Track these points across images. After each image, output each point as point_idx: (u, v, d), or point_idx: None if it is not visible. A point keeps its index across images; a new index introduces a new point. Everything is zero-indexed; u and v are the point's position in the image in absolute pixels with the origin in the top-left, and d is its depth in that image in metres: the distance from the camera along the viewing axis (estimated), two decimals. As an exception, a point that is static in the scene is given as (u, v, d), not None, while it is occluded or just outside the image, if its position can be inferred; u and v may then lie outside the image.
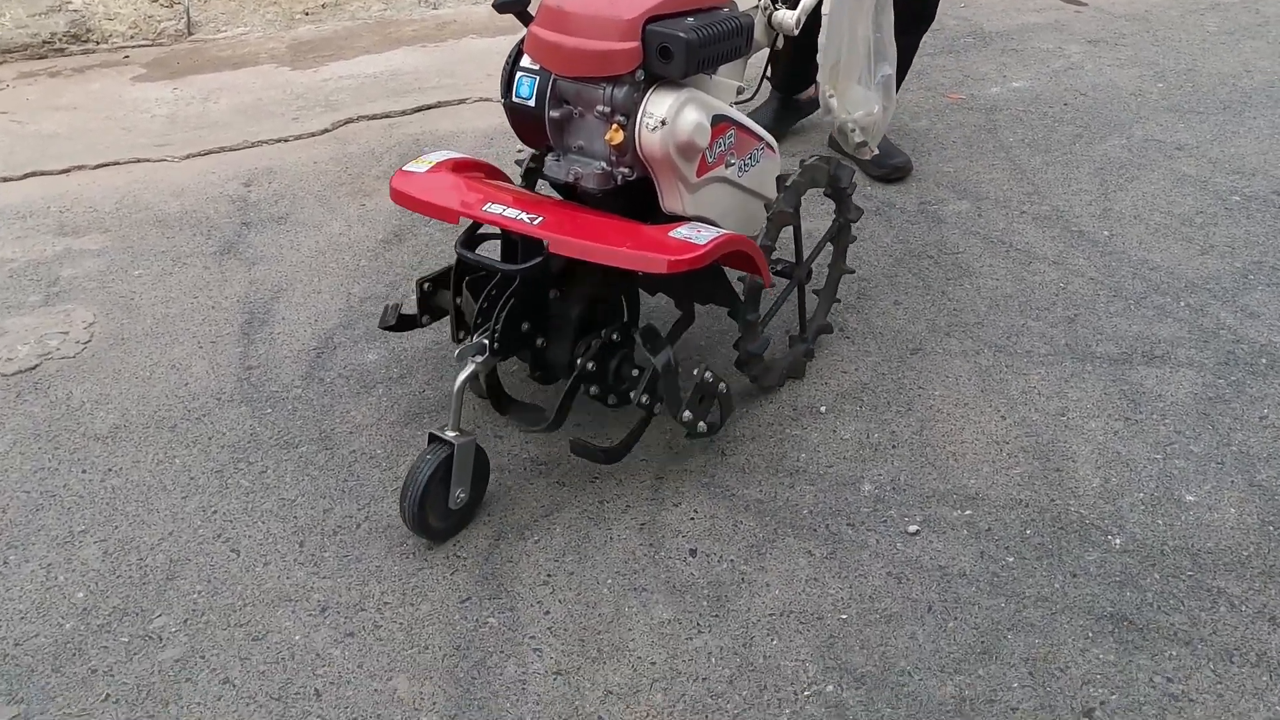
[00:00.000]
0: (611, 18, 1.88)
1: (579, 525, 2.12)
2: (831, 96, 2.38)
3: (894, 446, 2.33)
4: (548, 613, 1.94)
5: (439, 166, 2.15)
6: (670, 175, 2.00)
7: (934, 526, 2.13)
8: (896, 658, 1.85)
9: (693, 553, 2.07)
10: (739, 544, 2.09)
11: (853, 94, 2.42)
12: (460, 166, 2.19)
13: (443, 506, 2.01)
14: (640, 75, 1.94)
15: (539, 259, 1.90)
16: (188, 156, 3.58)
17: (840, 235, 2.56)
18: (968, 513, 2.16)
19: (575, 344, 2.08)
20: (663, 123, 1.92)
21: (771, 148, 2.25)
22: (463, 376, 1.97)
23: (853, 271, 2.70)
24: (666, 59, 1.89)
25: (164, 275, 2.98)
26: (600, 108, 1.99)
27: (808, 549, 2.08)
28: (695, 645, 1.88)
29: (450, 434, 1.97)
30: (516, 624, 1.91)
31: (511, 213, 1.95)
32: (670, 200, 2.05)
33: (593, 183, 2.05)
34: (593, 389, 2.09)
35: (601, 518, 2.14)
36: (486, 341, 1.97)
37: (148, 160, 3.56)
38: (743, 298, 2.19)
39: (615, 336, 2.07)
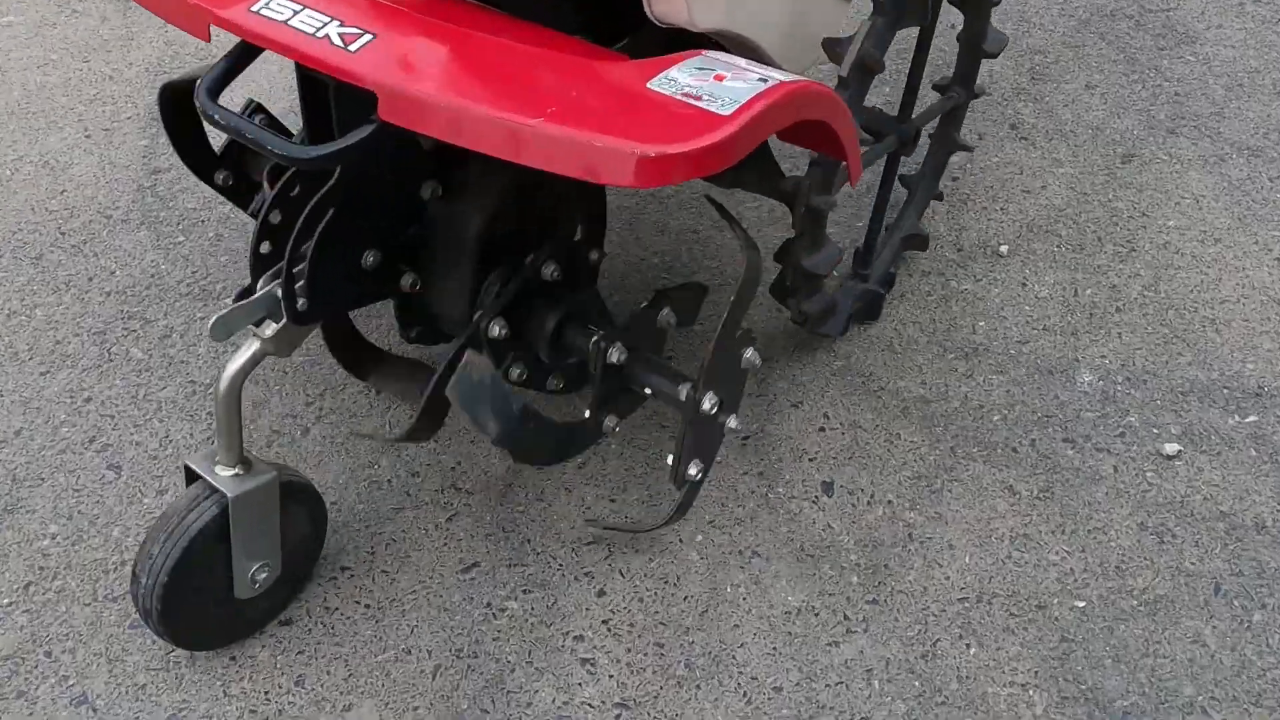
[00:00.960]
0: None
1: (644, 439, 1.36)
2: None
3: (1118, 309, 1.54)
4: (601, 593, 1.21)
5: None
6: None
7: (1201, 443, 1.36)
8: (1175, 679, 1.14)
9: (827, 488, 1.32)
10: (898, 472, 1.33)
11: None
12: None
13: (223, 593, 1.10)
14: None
15: (361, 133, 0.97)
16: None
17: (965, 70, 1.53)
18: (1250, 419, 1.39)
19: (475, 283, 1.16)
20: None
21: None
22: (234, 368, 1.06)
23: (970, 149, 1.73)
24: None
25: (43, 27, 2.10)
26: None
27: (1007, 482, 1.32)
28: (844, 657, 1.16)
29: (225, 471, 1.06)
30: (553, 612, 1.19)
31: (307, 21, 1.01)
32: (694, 9, 1.08)
33: None
34: (514, 369, 1.18)
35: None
36: (280, 294, 1.06)
37: None
38: (805, 181, 1.24)
39: (552, 270, 1.17)
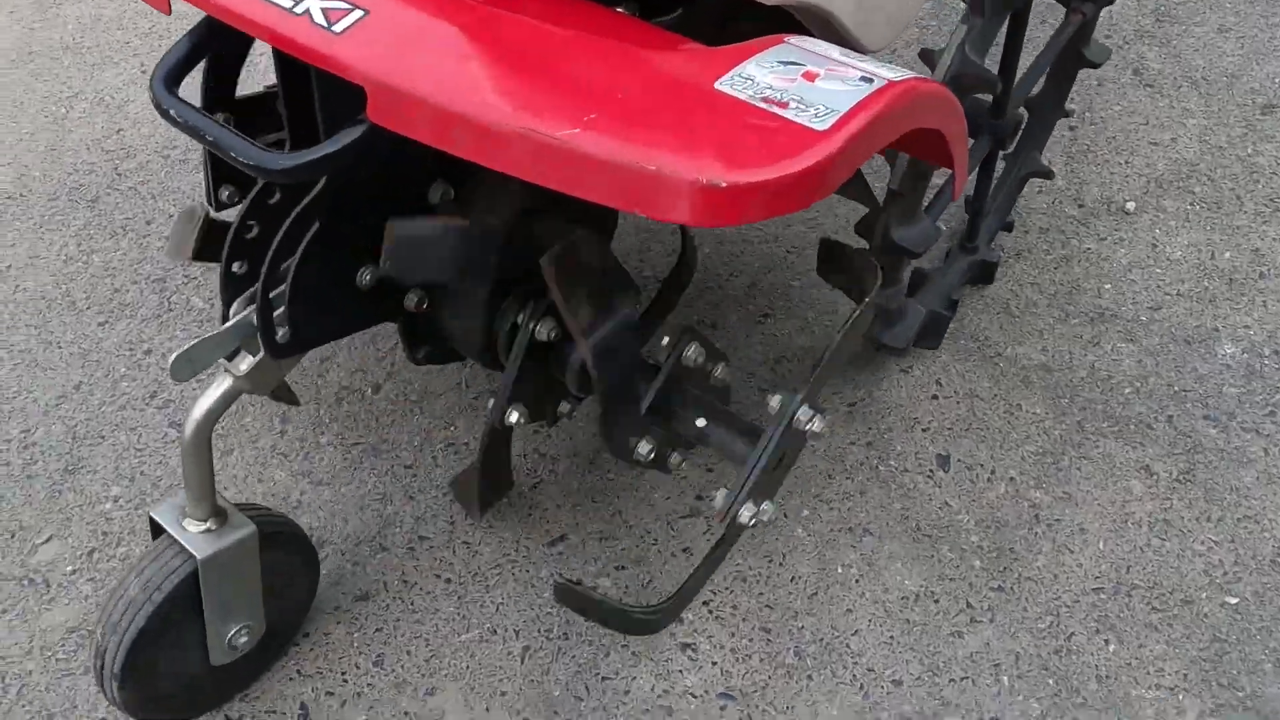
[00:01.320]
0: None
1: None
2: None
3: (1261, 275, 1.40)
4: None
5: None
6: None
7: (1359, 427, 1.23)
8: (1340, 690, 1.02)
9: (942, 461, 1.21)
10: (1020, 447, 1.22)
11: None
12: None
13: (197, 656, 0.95)
14: None
15: (348, 136, 0.79)
16: None
17: (1077, 43, 1.37)
18: None
19: (497, 297, 0.97)
20: None
21: None
22: (201, 411, 0.89)
23: (1070, 113, 1.52)
24: None
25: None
26: None
27: (1142, 462, 1.20)
28: (969, 649, 1.05)
29: (194, 527, 0.90)
30: (649, 591, 1.10)
31: None
32: None
33: None
34: (562, 404, 1.02)
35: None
36: (255, 321, 0.88)
37: None
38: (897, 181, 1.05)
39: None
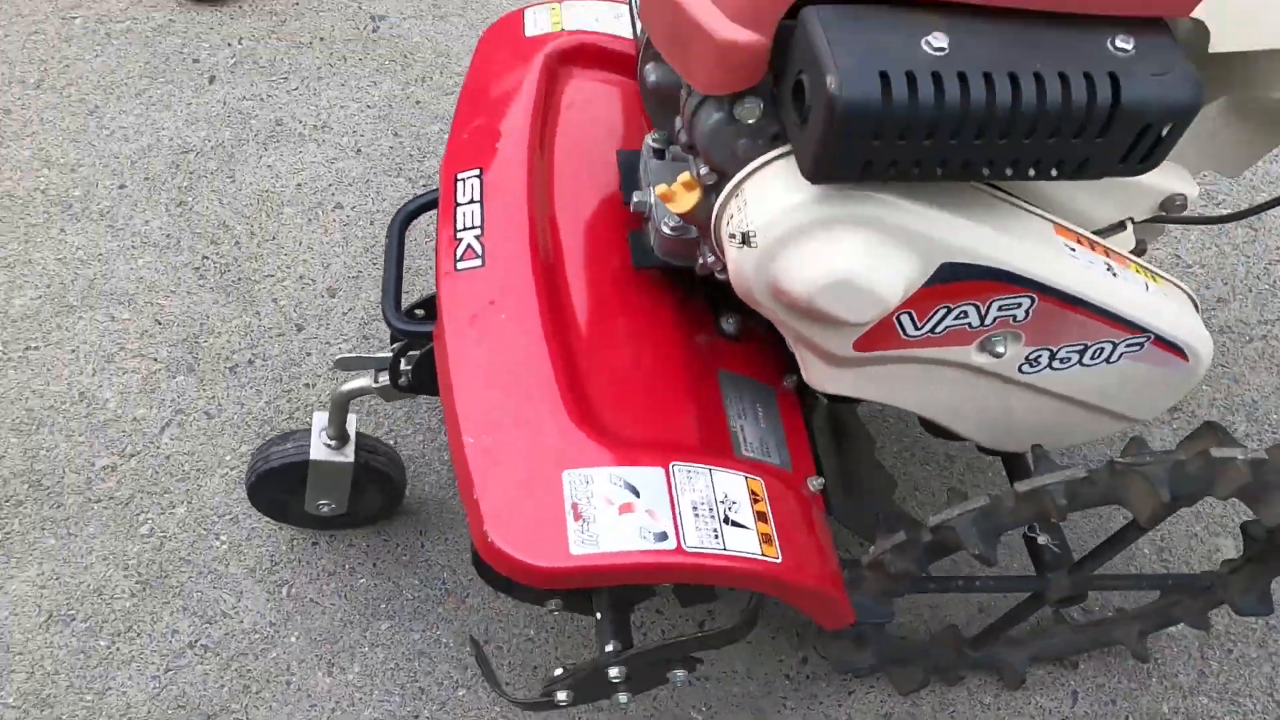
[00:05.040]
0: None
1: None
2: None
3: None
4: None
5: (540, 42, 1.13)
6: (787, 331, 0.92)
7: None
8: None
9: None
10: None
11: None
12: (579, 55, 1.16)
13: (298, 500, 1.33)
14: (757, 106, 0.79)
15: (404, 343, 1.11)
16: None
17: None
18: None
19: None
20: (746, 239, 0.80)
21: (1170, 345, 0.95)
22: (345, 389, 1.20)
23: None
24: (798, 106, 0.73)
25: None
26: (680, 129, 0.88)
27: None
28: None
29: (322, 437, 1.25)
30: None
31: (465, 210, 1.01)
32: (808, 371, 0.96)
33: (655, 241, 0.99)
34: None
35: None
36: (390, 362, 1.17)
37: None
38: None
39: None
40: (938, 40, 0.68)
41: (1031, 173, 0.74)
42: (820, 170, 0.72)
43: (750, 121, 0.77)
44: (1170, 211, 0.93)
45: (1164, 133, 0.71)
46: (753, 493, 0.87)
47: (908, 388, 0.96)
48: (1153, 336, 0.92)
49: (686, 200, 0.86)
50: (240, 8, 1.98)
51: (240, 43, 1.92)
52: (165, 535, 1.37)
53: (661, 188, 0.87)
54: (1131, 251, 1.03)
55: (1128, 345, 0.93)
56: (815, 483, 0.98)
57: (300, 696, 1.26)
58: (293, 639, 1.30)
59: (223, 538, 1.37)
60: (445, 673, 1.29)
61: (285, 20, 1.97)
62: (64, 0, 1.97)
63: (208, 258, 1.63)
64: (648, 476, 0.84)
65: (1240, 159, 0.97)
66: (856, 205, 0.77)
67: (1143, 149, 0.72)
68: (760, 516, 0.86)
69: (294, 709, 1.25)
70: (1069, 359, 0.94)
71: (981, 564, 0.95)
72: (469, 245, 0.98)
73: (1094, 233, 0.93)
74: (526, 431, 0.85)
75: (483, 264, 0.96)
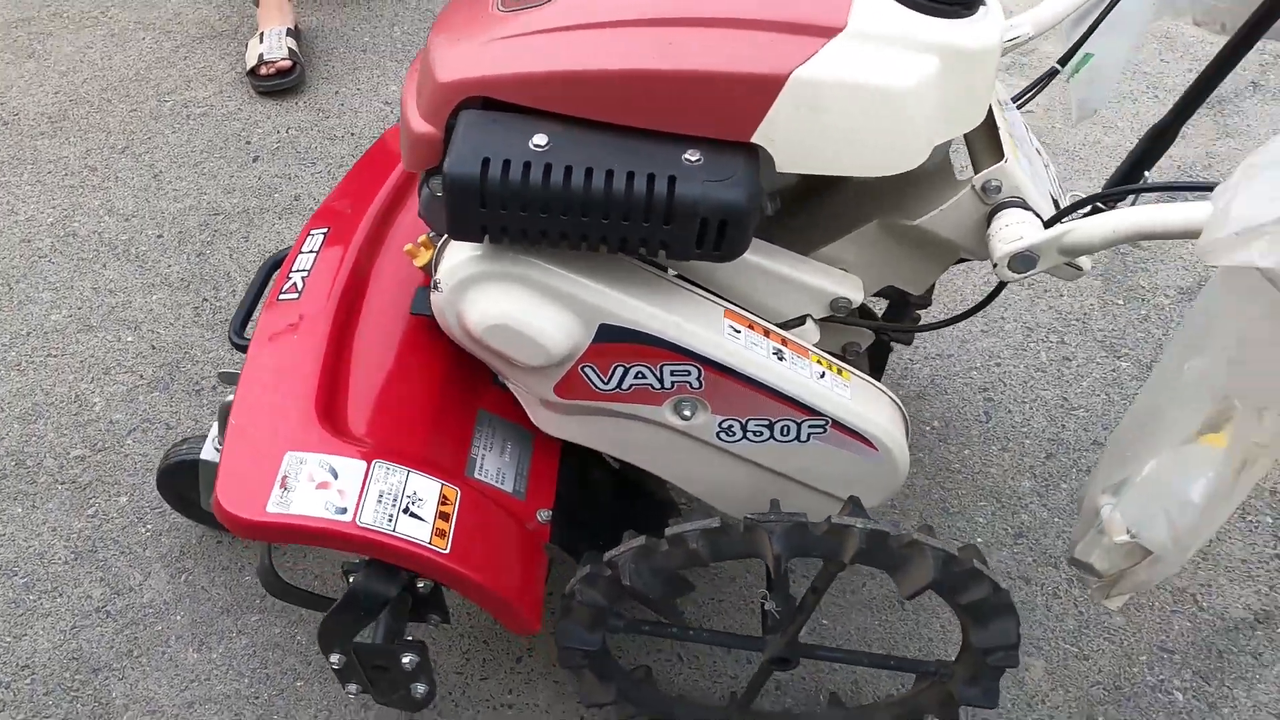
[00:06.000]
0: (432, 69, 0.93)
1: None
2: (1109, 498, 0.95)
3: None
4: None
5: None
6: (497, 371, 1.11)
7: None
8: None
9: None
10: None
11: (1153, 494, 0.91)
12: None
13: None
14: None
15: None
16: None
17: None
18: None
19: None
20: (436, 285, 1.00)
21: (852, 432, 1.06)
22: None
23: None
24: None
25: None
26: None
27: None
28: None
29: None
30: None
31: (304, 256, 1.23)
32: (531, 413, 1.14)
33: (422, 304, 1.13)
34: None
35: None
36: None
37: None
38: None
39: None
40: (539, 139, 0.87)
41: (641, 250, 0.91)
42: (455, 229, 0.92)
43: (439, 194, 0.98)
44: (837, 312, 1.07)
45: (721, 226, 0.87)
46: (443, 497, 1.04)
47: (622, 439, 1.11)
48: (830, 420, 1.05)
49: (423, 257, 1.07)
50: (296, 103, 2.34)
51: (287, 131, 2.28)
52: (105, 518, 1.63)
53: (409, 246, 1.08)
54: (844, 348, 1.17)
55: (811, 426, 1.06)
56: (543, 514, 1.14)
57: (170, 665, 1.47)
58: (178, 617, 1.52)
59: (149, 526, 1.62)
60: (291, 665, 1.47)
61: (328, 116, 2.32)
62: (165, 85, 2.39)
63: (207, 300, 1.94)
64: (350, 465, 1.02)
65: (918, 277, 1.11)
66: (511, 264, 0.96)
67: (711, 238, 0.88)
68: (442, 515, 1.03)
69: (162, 675, 1.46)
70: (761, 432, 1.08)
71: (640, 602, 1.07)
72: (294, 282, 1.19)
73: (782, 325, 1.08)
74: (274, 419, 1.05)
75: (299, 297, 1.17)
